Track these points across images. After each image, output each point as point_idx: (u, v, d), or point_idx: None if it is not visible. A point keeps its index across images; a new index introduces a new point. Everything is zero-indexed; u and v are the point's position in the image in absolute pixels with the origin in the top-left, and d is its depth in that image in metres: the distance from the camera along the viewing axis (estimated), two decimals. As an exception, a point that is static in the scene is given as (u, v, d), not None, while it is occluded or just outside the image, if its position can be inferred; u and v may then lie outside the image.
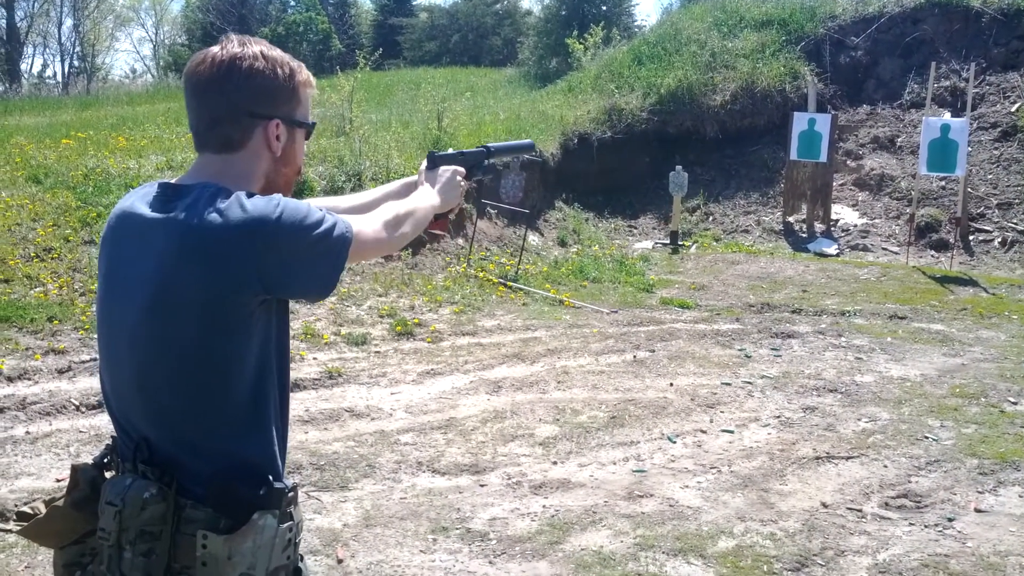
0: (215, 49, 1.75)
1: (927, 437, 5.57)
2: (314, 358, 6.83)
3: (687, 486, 4.84)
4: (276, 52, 1.78)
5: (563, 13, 19.58)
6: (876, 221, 13.32)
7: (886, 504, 4.67)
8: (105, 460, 1.82)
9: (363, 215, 1.87)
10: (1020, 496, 4.72)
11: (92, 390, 5.81)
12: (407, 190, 2.18)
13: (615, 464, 5.10)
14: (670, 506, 4.57)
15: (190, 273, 1.62)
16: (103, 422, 5.45)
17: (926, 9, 15.36)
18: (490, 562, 3.95)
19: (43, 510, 1.85)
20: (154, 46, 48.70)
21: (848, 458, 5.27)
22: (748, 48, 15.04)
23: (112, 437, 1.93)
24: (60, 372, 6.09)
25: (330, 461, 4.95)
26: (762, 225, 13.49)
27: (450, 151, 2.27)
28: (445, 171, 2.17)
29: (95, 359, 6.35)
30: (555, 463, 5.08)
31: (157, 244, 1.66)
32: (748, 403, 6.21)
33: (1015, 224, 12.50)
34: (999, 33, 14.88)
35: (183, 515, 1.67)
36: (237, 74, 1.72)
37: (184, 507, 1.67)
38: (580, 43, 17.33)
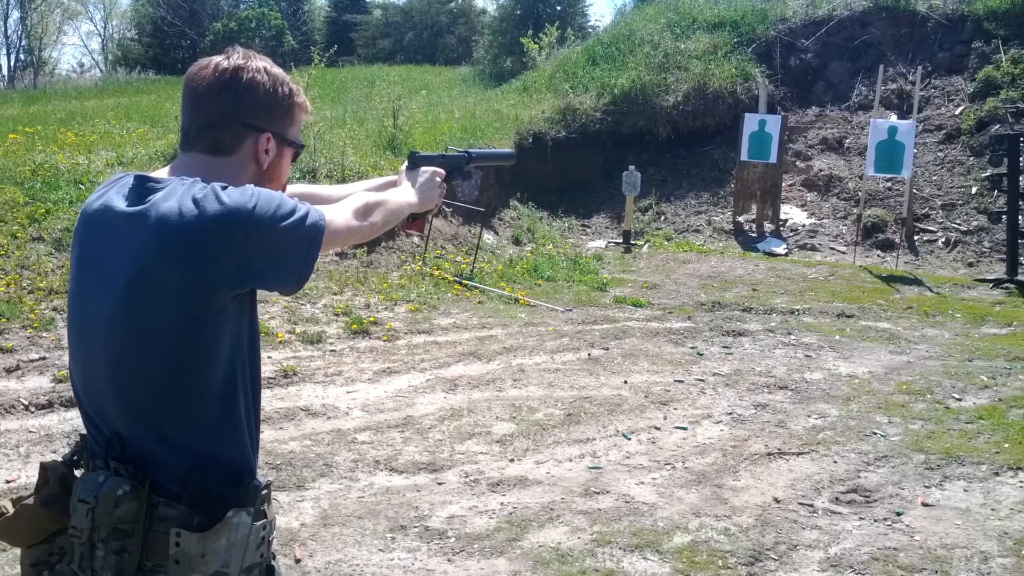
0: (219, 58, 1.78)
1: (875, 433, 5.70)
2: (268, 357, 6.78)
3: (642, 482, 4.90)
4: (278, 70, 1.83)
5: (518, 12, 19.66)
6: (824, 221, 13.55)
7: (836, 499, 4.77)
8: (75, 457, 1.81)
9: (333, 204, 1.89)
10: (965, 490, 4.85)
11: (41, 389, 5.73)
12: (388, 187, 2.20)
13: (571, 461, 5.14)
14: (626, 502, 4.63)
15: (166, 265, 1.62)
16: (53, 422, 5.37)
17: (874, 13, 15.67)
18: (449, 560, 3.97)
19: (10, 508, 1.83)
20: (102, 40, 47.91)
21: (799, 454, 5.37)
22: (700, 49, 15.21)
23: (81, 434, 1.92)
24: (8, 371, 5.99)
25: (286, 460, 4.94)
26: (713, 225, 13.66)
27: (432, 153, 2.29)
28: (425, 171, 2.19)
29: (44, 358, 6.24)
30: (512, 461, 5.11)
31: (133, 236, 1.66)
32: (701, 400, 6.29)
33: (958, 225, 12.80)
34: (944, 37, 15.22)
35: (156, 513, 1.66)
36: (238, 84, 1.76)
37: (157, 504, 1.66)
38: (535, 43, 17.40)
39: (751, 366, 7.14)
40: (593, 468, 5.06)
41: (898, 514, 4.57)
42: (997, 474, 5.05)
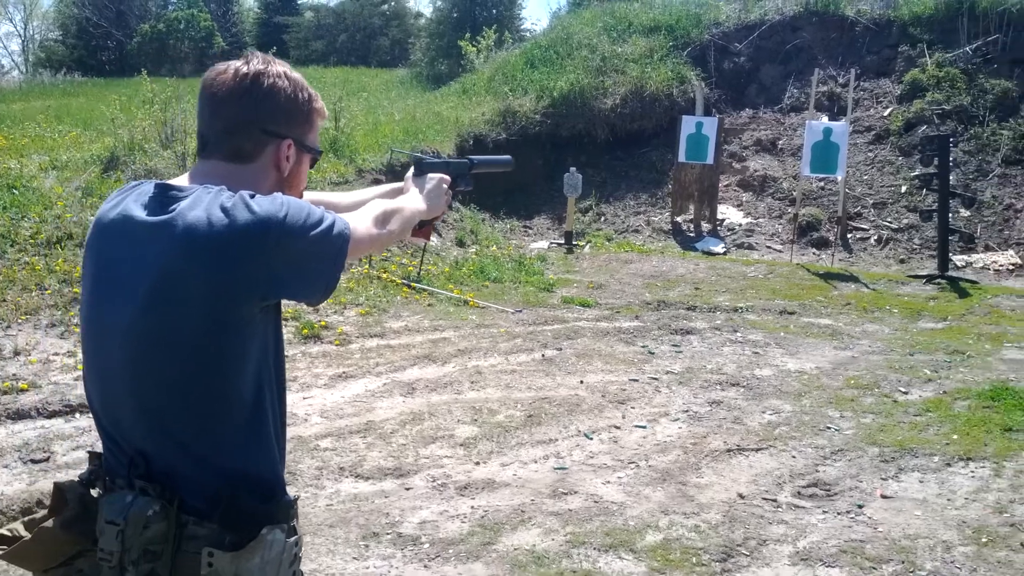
0: (238, 63, 1.74)
1: (829, 428, 5.81)
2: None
3: (609, 482, 4.92)
4: (297, 75, 1.81)
5: (455, 15, 19.61)
6: (760, 220, 13.80)
7: (798, 493, 4.85)
8: (91, 477, 1.74)
9: (353, 212, 1.86)
10: (921, 482, 4.98)
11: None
12: (395, 194, 2.17)
13: (536, 462, 5.14)
14: (595, 502, 4.64)
15: (195, 276, 1.58)
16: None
17: (804, 18, 16.01)
18: (425, 566, 3.94)
19: (22, 532, 1.75)
20: (23, 41, 46.42)
21: (757, 450, 5.45)
22: (637, 53, 15.37)
23: (90, 452, 1.85)
24: (-52, 383, 5.77)
25: (249, 468, 4.84)
26: (652, 225, 13.80)
27: (436, 160, 2.27)
28: (432, 179, 2.17)
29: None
30: (478, 463, 5.09)
31: (158, 246, 1.61)
32: (657, 398, 6.35)
33: (889, 223, 13.15)
34: (872, 42, 15.62)
35: (184, 532, 1.61)
36: (258, 90, 1.72)
37: (186, 524, 1.61)
38: (473, 45, 17.39)
39: (702, 364, 7.23)
40: (559, 469, 5.06)
41: (859, 507, 4.67)
42: (949, 465, 5.19)
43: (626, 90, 14.64)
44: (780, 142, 15.00)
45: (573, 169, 12.45)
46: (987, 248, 12.42)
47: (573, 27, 16.66)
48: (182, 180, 1.74)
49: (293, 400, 5.99)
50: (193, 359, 1.61)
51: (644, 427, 5.78)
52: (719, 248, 12.78)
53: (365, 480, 4.80)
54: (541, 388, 6.42)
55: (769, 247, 13.06)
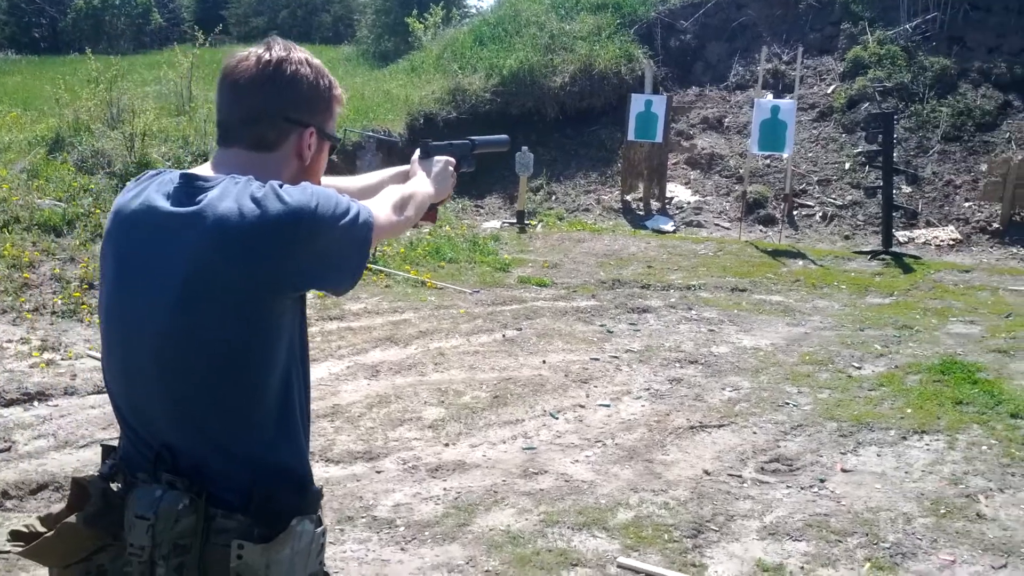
0: (260, 50, 1.71)
1: (787, 403, 5.94)
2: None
3: (577, 460, 4.98)
4: (317, 61, 1.78)
5: (401, -9, 19.45)
6: (708, 198, 13.96)
7: (762, 469, 4.96)
8: (112, 472, 1.72)
9: (372, 199, 1.86)
10: (878, 455, 5.12)
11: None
12: (401, 177, 2.17)
13: (505, 443, 5.18)
14: (566, 481, 4.70)
15: (227, 266, 1.57)
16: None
17: (749, -5, 16.17)
18: (402, 549, 3.96)
19: (39, 528, 1.74)
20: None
21: (719, 426, 5.55)
22: (585, 31, 15.39)
23: (103, 446, 1.84)
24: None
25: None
26: (602, 204, 13.88)
27: (440, 143, 2.28)
28: (438, 161, 2.18)
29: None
30: (447, 445, 5.12)
31: (187, 238, 1.59)
32: (618, 377, 6.43)
33: (834, 199, 13.40)
34: (815, 19, 15.84)
35: (213, 525, 1.60)
36: (281, 78, 1.70)
37: (214, 517, 1.61)
38: (420, 23, 17.25)
39: (660, 342, 7.33)
40: (527, 449, 5.11)
41: (821, 481, 4.79)
42: (905, 438, 5.35)
43: (575, 68, 14.66)
44: (726, 120, 15.16)
45: (525, 148, 12.45)
46: (928, 224, 12.73)
47: (521, 4, 16.60)
48: (203, 169, 1.73)
49: (256, 385, 5.95)
50: (225, 354, 1.61)
51: (608, 406, 5.85)
52: (669, 226, 12.91)
53: (336, 464, 4.80)
54: (504, 369, 6.46)
55: (717, 225, 13.23)
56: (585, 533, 4.15)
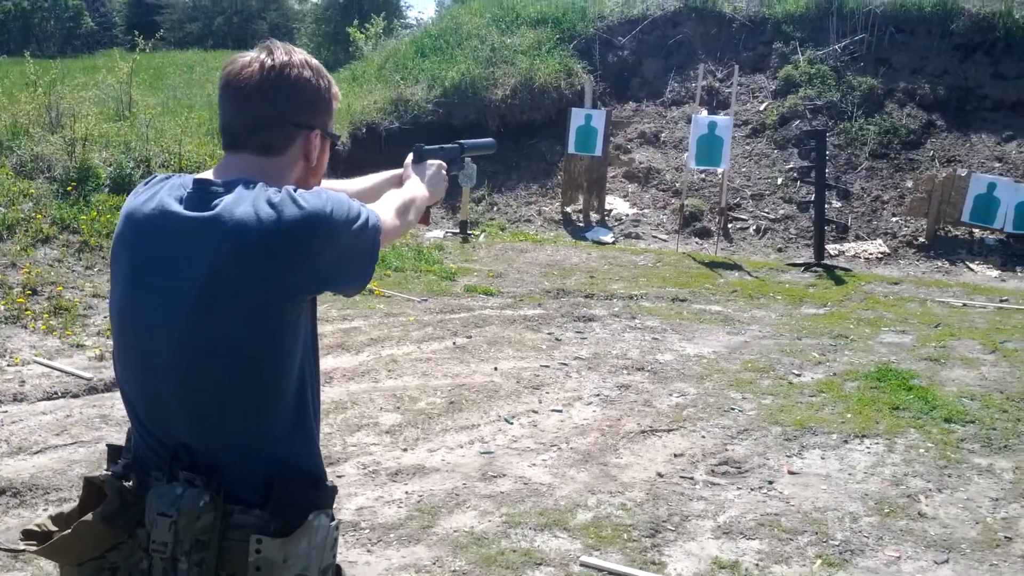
0: (262, 55, 1.74)
1: (733, 408, 6.12)
2: (126, 355, 6.50)
3: (534, 464, 5.08)
4: (316, 62, 1.82)
5: (341, 1, 19.33)
6: (646, 211, 14.20)
7: (712, 471, 5.12)
8: (125, 471, 1.75)
9: (376, 204, 1.92)
10: (822, 458, 5.32)
11: None
12: (396, 181, 2.24)
13: (462, 447, 5.26)
14: (524, 484, 4.79)
15: (245, 270, 1.61)
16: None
17: (684, 13, 16.51)
18: (368, 551, 4.01)
19: (51, 527, 1.76)
20: None
21: (669, 430, 5.70)
22: (525, 45, 15.55)
23: (109, 446, 1.87)
24: None
25: (175, 460, 4.78)
26: (543, 215, 14.04)
27: (432, 146, 2.34)
28: (431, 165, 2.25)
29: None
30: (405, 450, 5.17)
31: (204, 242, 1.62)
32: (568, 383, 6.54)
33: (767, 213, 13.75)
34: (748, 38, 16.25)
35: (230, 521, 1.65)
36: (286, 83, 1.73)
37: (231, 513, 1.65)
38: (361, 33, 17.24)
39: (607, 349, 7.46)
40: (485, 453, 5.19)
41: (770, 482, 4.96)
42: (846, 442, 5.55)
43: (516, 81, 14.80)
44: (663, 135, 15.45)
45: (468, 159, 12.50)
46: (858, 238, 13.15)
47: (462, 17, 16.72)
48: (209, 174, 1.76)
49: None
50: (243, 357, 1.65)
51: (560, 411, 5.96)
52: (608, 238, 13.11)
53: (296, 469, 4.81)
54: (457, 375, 6.53)
55: (655, 237, 13.47)
56: (547, 534, 4.24)
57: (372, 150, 13.04)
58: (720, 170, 13.13)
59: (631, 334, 8.07)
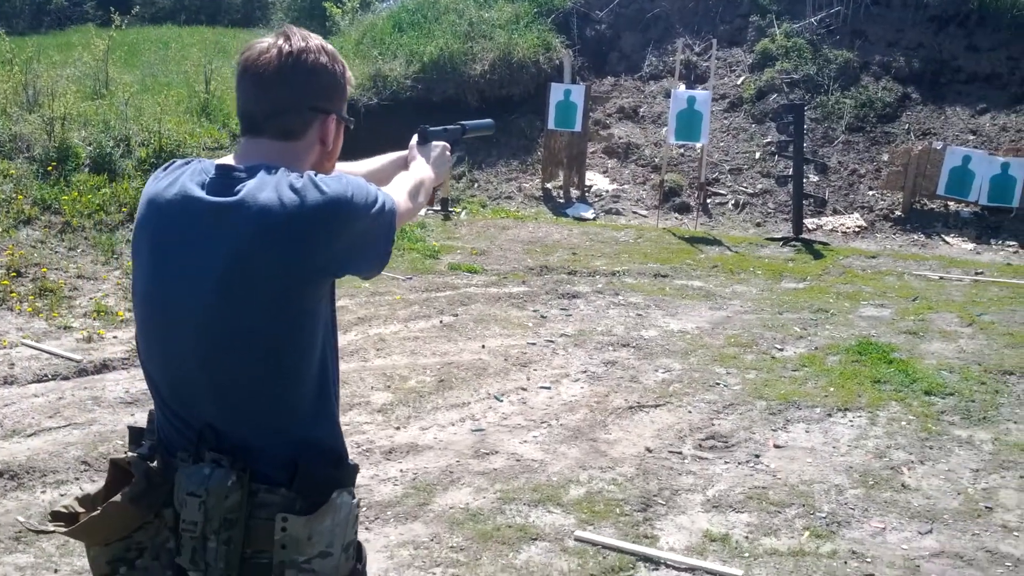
0: (279, 41, 1.77)
1: (718, 384, 6.22)
2: (115, 336, 6.51)
3: (525, 441, 5.15)
4: (331, 47, 1.85)
5: (317, -25, 19.16)
6: (625, 187, 14.25)
7: (699, 445, 5.22)
8: (150, 452, 1.79)
9: (389, 187, 1.95)
10: (807, 431, 5.43)
11: None
12: (402, 162, 2.27)
13: (454, 425, 5.32)
14: (517, 461, 4.87)
15: (270, 255, 1.65)
16: None
17: (661, -13, 16.51)
18: (366, 528, 4.07)
19: (78, 508, 1.81)
20: None
21: (656, 406, 5.80)
22: (503, 19, 15.48)
23: (130, 427, 1.90)
24: None
25: (170, 442, 4.81)
26: (524, 192, 14.06)
27: (436, 128, 2.37)
28: (436, 147, 2.28)
29: None
30: (398, 428, 5.23)
31: (229, 227, 1.66)
32: (556, 360, 6.61)
33: (745, 188, 13.84)
34: (725, 12, 16.27)
35: (256, 500, 1.69)
36: (304, 68, 1.77)
37: (257, 492, 1.70)
38: (338, 7, 17.09)
39: (592, 326, 7.54)
40: (476, 430, 5.26)
41: (756, 456, 5.07)
42: (830, 415, 5.67)
43: (494, 56, 14.75)
44: (641, 109, 15.48)
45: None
46: (835, 212, 13.28)
47: (440, -9, 16.60)
48: (230, 160, 1.79)
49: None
50: (266, 339, 1.69)
51: (549, 388, 6.03)
52: (589, 214, 13.16)
53: (291, 449, 4.86)
54: (446, 353, 6.58)
55: (635, 212, 13.54)
56: (541, 509, 4.32)
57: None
58: (699, 145, 13.20)
59: (615, 310, 8.14)
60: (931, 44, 15.08)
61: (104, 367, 5.92)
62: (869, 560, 3.93)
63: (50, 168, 8.67)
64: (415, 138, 2.30)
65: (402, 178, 2.07)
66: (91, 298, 7.20)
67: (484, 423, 5.38)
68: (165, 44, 15.52)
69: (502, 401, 5.75)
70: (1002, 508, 4.43)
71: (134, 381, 5.69)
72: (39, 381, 5.60)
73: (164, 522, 1.74)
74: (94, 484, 4.28)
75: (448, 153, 2.32)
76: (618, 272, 9.67)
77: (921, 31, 15.20)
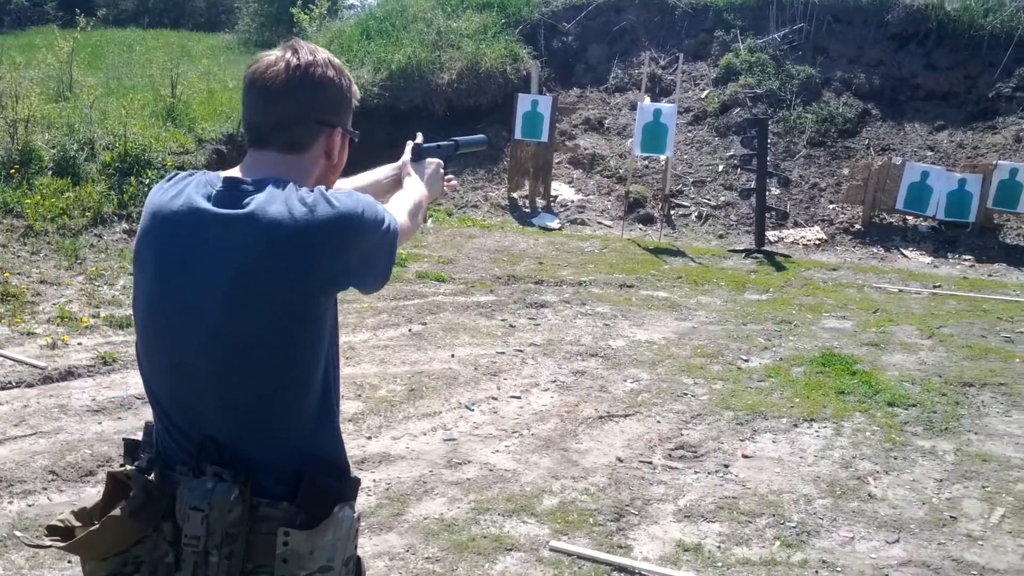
0: (287, 54, 1.79)
1: (686, 394, 6.28)
2: (79, 343, 6.43)
3: (498, 451, 5.17)
4: (337, 61, 1.87)
5: (284, -19, 19.10)
6: (590, 197, 14.34)
7: (669, 455, 5.27)
8: (149, 465, 1.78)
9: (390, 206, 1.97)
10: (774, 442, 5.50)
11: None
12: (395, 177, 2.28)
13: (426, 435, 5.33)
14: (490, 471, 4.89)
15: (279, 268, 1.66)
16: None
17: (628, 0, 16.64)
18: (341, 537, 4.05)
19: (74, 522, 1.79)
20: None
21: (625, 416, 5.84)
22: (471, 29, 15.53)
23: (126, 440, 1.90)
24: None
25: (139, 450, 4.76)
26: (490, 200, 14.09)
27: (429, 144, 2.39)
28: (431, 164, 2.31)
29: None
30: (370, 438, 5.22)
31: (237, 239, 1.67)
32: (525, 369, 6.64)
33: (708, 200, 13.99)
34: (690, 25, 16.45)
35: (257, 514, 1.69)
36: (311, 82, 1.79)
37: (258, 506, 1.70)
38: (305, 14, 17.04)
39: (560, 336, 7.58)
40: (448, 440, 5.27)
41: (726, 466, 5.13)
42: (796, 426, 5.75)
43: (462, 65, 14.79)
44: (607, 121, 15.59)
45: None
46: (796, 224, 13.46)
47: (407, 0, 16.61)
48: (236, 172, 1.80)
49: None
50: (274, 351, 1.70)
51: (519, 397, 6.06)
52: (555, 224, 13.23)
53: (262, 458, 4.83)
54: (416, 363, 6.58)
55: (600, 223, 13.62)
56: (515, 519, 4.34)
57: (318, 134, 12.91)
58: (663, 157, 13.32)
59: (582, 320, 8.19)
60: (891, 61, 15.36)
61: (69, 374, 5.84)
62: (839, 569, 3.99)
63: (13, 171, 8.55)
64: (407, 154, 2.31)
65: (401, 198, 2.09)
66: (55, 304, 7.10)
67: (456, 432, 5.39)
68: (129, 47, 15.36)
69: (473, 410, 5.77)
70: (966, 517, 4.53)
71: (100, 389, 5.63)
72: (3, 388, 5.51)
73: (163, 536, 1.73)
74: (63, 494, 4.24)
75: (442, 170, 2.34)
76: (584, 282, 9.73)
77: (882, 49, 15.48)
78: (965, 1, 15.28)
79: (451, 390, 6.07)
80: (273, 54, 1.82)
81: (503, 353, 6.97)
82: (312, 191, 1.71)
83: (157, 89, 11.48)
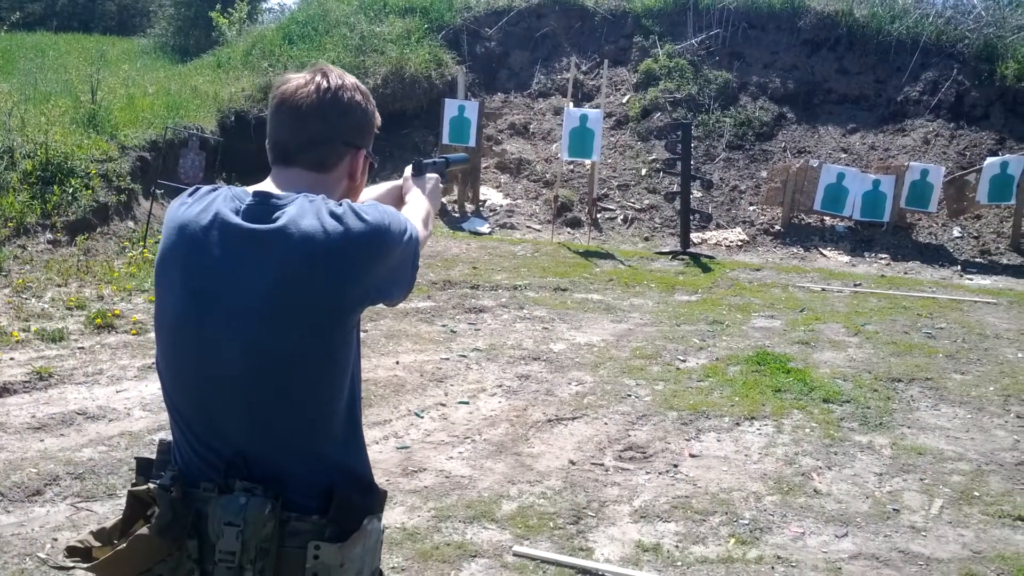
0: (317, 78, 1.83)
1: (630, 395, 6.40)
2: (11, 358, 6.23)
3: (452, 457, 5.20)
4: (363, 86, 1.92)
5: (202, -16, 18.73)
6: (518, 202, 14.45)
7: (619, 456, 5.36)
8: (171, 482, 1.77)
9: (407, 216, 2.01)
10: (718, 440, 5.64)
11: None
12: (396, 192, 2.32)
13: (379, 443, 5.32)
14: (446, 478, 4.91)
15: (313, 282, 1.68)
16: None
17: (549, 6, 16.81)
18: (305, 549, 4.03)
19: (93, 542, 1.78)
20: None
21: (574, 418, 5.92)
22: (395, 34, 15.50)
23: (138, 459, 1.89)
24: None
25: (88, 469, 4.66)
26: (417, 205, 14.06)
27: (427, 160, 2.44)
28: (430, 179, 2.35)
29: None
30: (323, 448, 5.18)
31: (271, 254, 1.68)
32: (471, 375, 6.68)
33: (633, 203, 14.22)
34: (609, 32, 16.70)
35: (287, 528, 1.70)
36: (340, 105, 1.83)
37: (288, 520, 1.71)
38: (225, 17, 16.76)
39: (502, 340, 7.63)
40: (401, 448, 5.27)
41: (675, 466, 5.24)
42: (738, 424, 5.91)
43: (387, 71, 14.76)
44: (532, 126, 15.72)
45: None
46: (719, 226, 13.78)
47: (329, 4, 16.47)
48: (263, 187, 1.81)
49: (106, 394, 5.77)
50: (307, 365, 1.72)
51: (467, 403, 6.09)
52: (485, 228, 13.29)
53: (216, 472, 4.77)
54: (361, 370, 6.54)
55: (529, 227, 13.73)
56: (476, 526, 4.37)
57: (243, 138, 12.74)
58: (589, 161, 13.49)
59: (522, 324, 8.26)
60: (804, 66, 15.84)
61: (5, 390, 5.67)
62: (794, 564, 4.13)
63: (-72, 182, 8.24)
64: (408, 170, 2.36)
65: (415, 208, 2.14)
66: (-18, 318, 6.89)
67: (408, 440, 5.40)
68: (42, 51, 14.90)
69: (423, 417, 5.78)
70: (908, 509, 4.72)
71: (39, 405, 5.48)
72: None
73: (187, 554, 1.73)
74: (10, 515, 4.12)
75: (441, 185, 2.38)
76: (520, 286, 9.80)
77: (795, 54, 15.95)
78: (873, 8, 15.84)
79: (399, 397, 6.07)
80: (303, 76, 1.86)
81: (447, 359, 7.00)
82: (341, 204, 1.74)
83: (76, 95, 11.15)
